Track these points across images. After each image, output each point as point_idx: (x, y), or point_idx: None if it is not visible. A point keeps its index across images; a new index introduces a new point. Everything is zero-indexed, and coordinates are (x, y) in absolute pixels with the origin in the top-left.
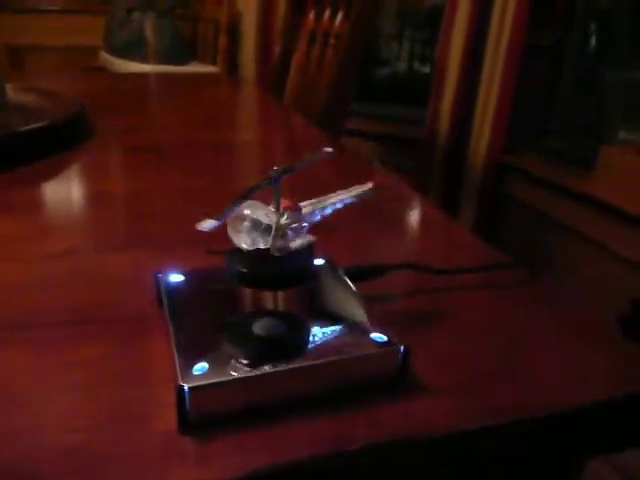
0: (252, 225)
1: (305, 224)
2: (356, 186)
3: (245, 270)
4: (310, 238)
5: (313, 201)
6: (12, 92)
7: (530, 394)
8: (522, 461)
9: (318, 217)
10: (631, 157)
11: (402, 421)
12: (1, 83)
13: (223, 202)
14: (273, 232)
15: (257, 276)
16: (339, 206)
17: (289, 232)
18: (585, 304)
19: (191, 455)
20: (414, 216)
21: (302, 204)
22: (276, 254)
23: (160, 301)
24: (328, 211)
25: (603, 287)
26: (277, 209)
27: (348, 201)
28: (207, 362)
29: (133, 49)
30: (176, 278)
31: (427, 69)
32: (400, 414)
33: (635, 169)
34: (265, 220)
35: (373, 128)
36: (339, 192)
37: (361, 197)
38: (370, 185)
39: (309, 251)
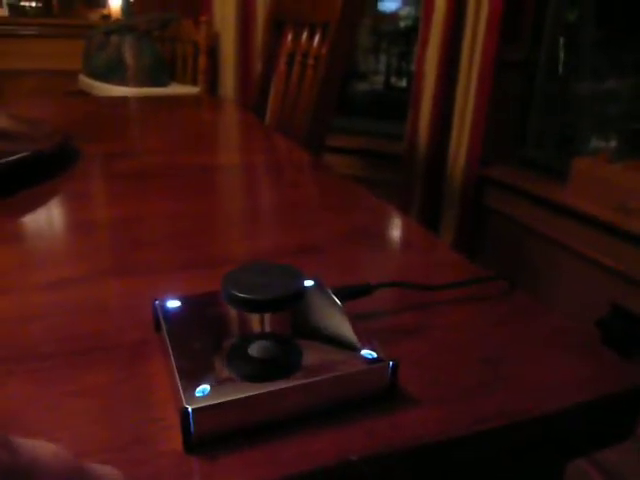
0: None
1: None
2: None
3: (240, 294)
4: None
5: None
6: None
7: (513, 402)
8: (508, 466)
9: None
10: (600, 167)
11: (395, 431)
12: None
13: (212, 228)
14: None
15: (251, 300)
16: None
17: None
18: (563, 312)
19: (197, 474)
20: (398, 235)
21: None
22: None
23: (157, 326)
24: None
25: (582, 293)
26: None
27: None
28: (208, 384)
29: (113, 72)
30: (173, 304)
31: (404, 83)
32: (392, 425)
33: (604, 178)
34: None
35: (351, 144)
36: None
37: None
38: None
39: (298, 276)
